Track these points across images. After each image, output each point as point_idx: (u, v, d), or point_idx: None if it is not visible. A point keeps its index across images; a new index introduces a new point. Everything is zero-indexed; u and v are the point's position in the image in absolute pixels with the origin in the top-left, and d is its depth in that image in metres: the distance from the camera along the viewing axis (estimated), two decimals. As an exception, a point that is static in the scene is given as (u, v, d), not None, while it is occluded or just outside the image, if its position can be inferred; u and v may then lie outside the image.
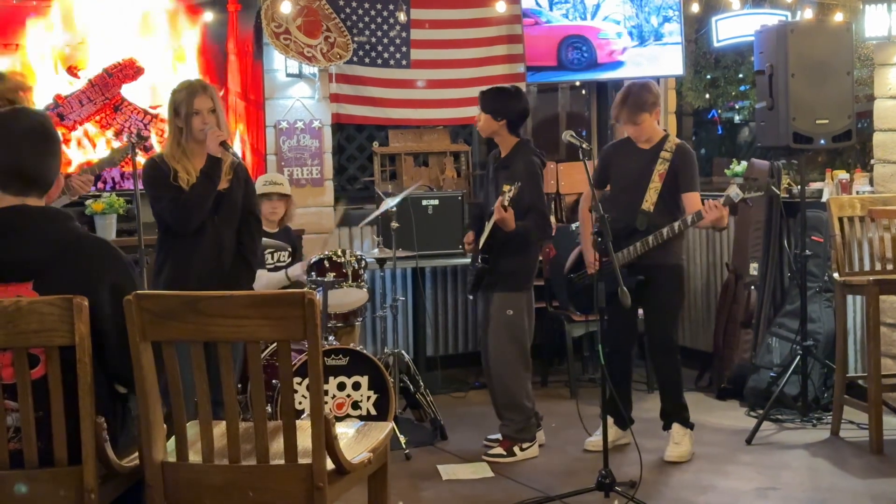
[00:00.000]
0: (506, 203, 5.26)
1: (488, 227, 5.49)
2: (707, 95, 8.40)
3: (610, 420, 5.61)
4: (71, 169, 6.26)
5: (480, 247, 5.59)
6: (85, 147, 6.65)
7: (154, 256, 4.87)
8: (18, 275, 2.89)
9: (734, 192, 5.28)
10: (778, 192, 6.06)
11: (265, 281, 5.73)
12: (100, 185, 6.59)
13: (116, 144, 6.66)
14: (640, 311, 5.67)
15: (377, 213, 6.24)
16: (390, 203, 6.00)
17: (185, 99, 4.66)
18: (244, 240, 4.81)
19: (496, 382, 5.65)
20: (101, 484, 2.89)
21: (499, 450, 5.58)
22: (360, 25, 7.30)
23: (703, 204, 5.42)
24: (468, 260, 7.28)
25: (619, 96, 5.59)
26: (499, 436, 5.70)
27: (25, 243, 2.91)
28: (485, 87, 5.86)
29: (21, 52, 6.44)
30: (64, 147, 5.71)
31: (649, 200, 5.46)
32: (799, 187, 6.20)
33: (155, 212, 4.75)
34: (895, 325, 6.18)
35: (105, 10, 6.63)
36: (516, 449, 5.56)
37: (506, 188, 5.32)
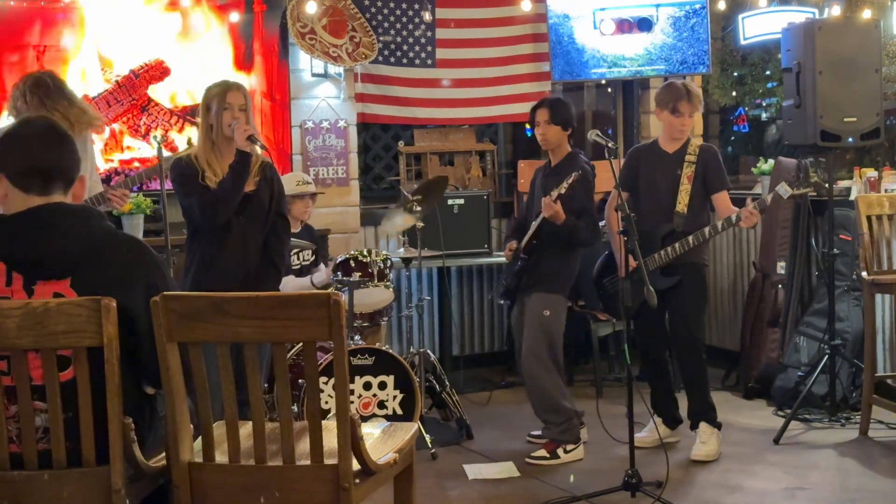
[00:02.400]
0: (554, 196, 5.29)
1: (534, 225, 5.51)
2: (734, 93, 8.35)
3: (658, 419, 5.67)
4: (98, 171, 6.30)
5: (523, 246, 5.60)
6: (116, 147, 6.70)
7: (181, 256, 4.91)
8: (56, 272, 2.90)
9: (783, 189, 5.25)
10: (825, 186, 6.00)
11: (291, 287, 5.75)
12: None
13: (144, 145, 6.71)
14: None
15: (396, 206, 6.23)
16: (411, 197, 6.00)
17: (217, 94, 4.72)
18: (271, 241, 4.83)
19: (533, 384, 5.63)
20: (128, 484, 2.90)
21: (542, 452, 5.57)
22: (386, 25, 7.31)
23: (731, 202, 5.48)
24: (493, 259, 7.33)
25: (682, 91, 5.56)
26: (541, 433, 5.71)
27: (63, 240, 2.93)
28: (545, 100, 5.90)
29: (49, 54, 6.48)
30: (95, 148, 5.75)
31: (682, 202, 5.49)
32: (827, 185, 6.16)
33: (184, 210, 4.78)
34: (924, 324, 6.14)
35: (131, 11, 6.67)
36: (560, 451, 5.54)
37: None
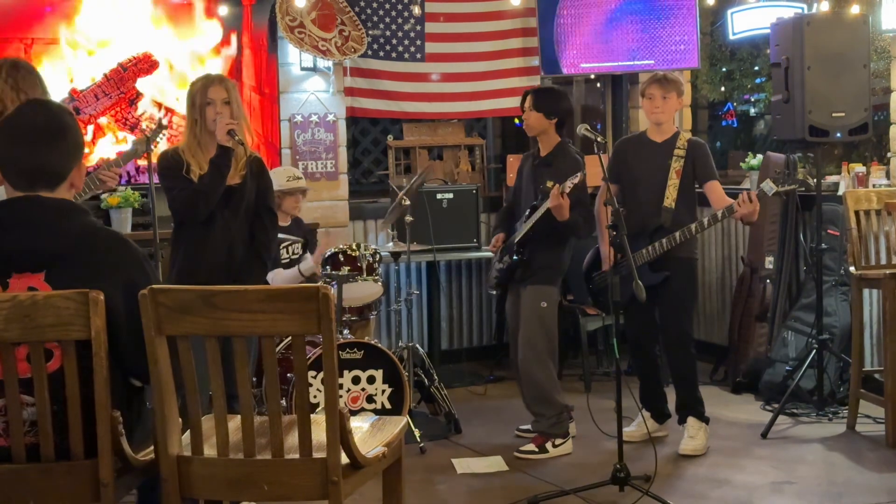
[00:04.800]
0: (566, 190, 5.27)
1: (533, 219, 5.49)
2: (722, 88, 8.36)
3: (647, 414, 5.68)
4: (89, 164, 6.28)
5: (518, 240, 5.59)
6: (102, 140, 6.68)
7: (169, 250, 4.90)
8: (31, 265, 2.90)
9: (768, 185, 5.25)
10: (811, 182, 6.00)
11: (280, 279, 5.75)
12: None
13: (132, 139, 6.68)
14: None
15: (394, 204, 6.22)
16: (403, 189, 5.99)
17: (200, 89, 4.70)
18: (258, 234, 4.82)
19: (527, 376, 5.63)
20: (116, 477, 2.90)
21: (531, 446, 5.57)
22: (375, 19, 7.30)
23: (724, 192, 5.50)
24: (483, 254, 7.33)
25: (657, 76, 5.61)
26: (530, 427, 5.72)
27: (39, 234, 2.92)
28: (535, 88, 5.90)
29: (36, 47, 6.46)
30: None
31: (670, 197, 5.49)
32: (815, 180, 6.18)
33: (169, 202, 4.78)
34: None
35: (120, 3, 6.65)
36: (549, 445, 5.54)
37: (549, 184, 5.36)
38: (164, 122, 6.37)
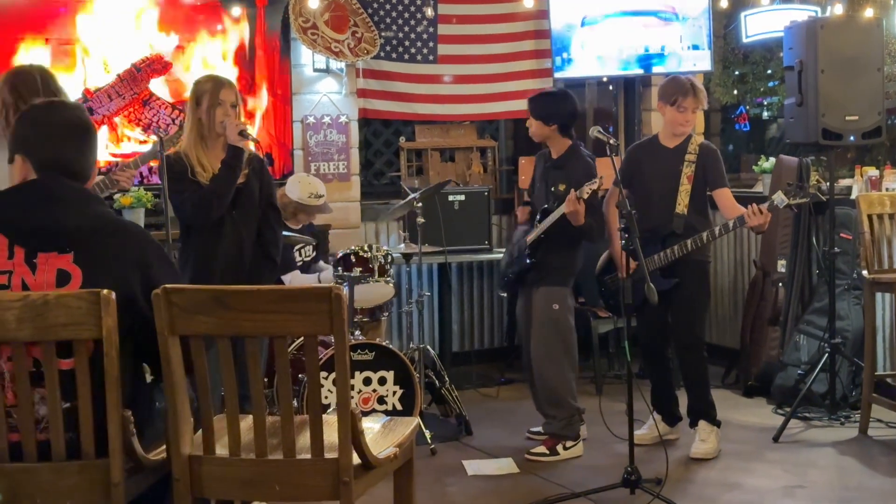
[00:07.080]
0: (583, 196, 5.25)
1: (546, 223, 5.47)
2: (735, 91, 8.34)
3: (658, 417, 5.67)
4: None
5: (529, 242, 5.58)
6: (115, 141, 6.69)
7: (178, 254, 4.90)
8: (59, 245, 2.90)
9: (779, 198, 5.22)
10: (823, 198, 5.93)
11: (298, 283, 5.76)
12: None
13: (144, 138, 6.70)
14: None
15: (401, 203, 6.23)
16: (415, 195, 6.00)
17: (210, 90, 4.70)
18: (264, 232, 4.83)
19: (539, 378, 5.63)
20: (127, 477, 2.90)
21: (542, 448, 5.56)
22: (388, 20, 7.30)
23: (734, 198, 5.49)
24: (494, 256, 7.32)
25: (687, 85, 5.51)
26: (541, 429, 5.71)
27: (67, 211, 2.93)
28: (533, 94, 5.86)
29: (50, 46, 6.48)
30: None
31: (682, 203, 5.46)
32: (828, 184, 6.16)
33: (175, 208, 4.76)
34: (925, 324, 6.13)
35: (135, 4, 6.66)
36: (559, 448, 5.53)
37: (562, 187, 5.37)
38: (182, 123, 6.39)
